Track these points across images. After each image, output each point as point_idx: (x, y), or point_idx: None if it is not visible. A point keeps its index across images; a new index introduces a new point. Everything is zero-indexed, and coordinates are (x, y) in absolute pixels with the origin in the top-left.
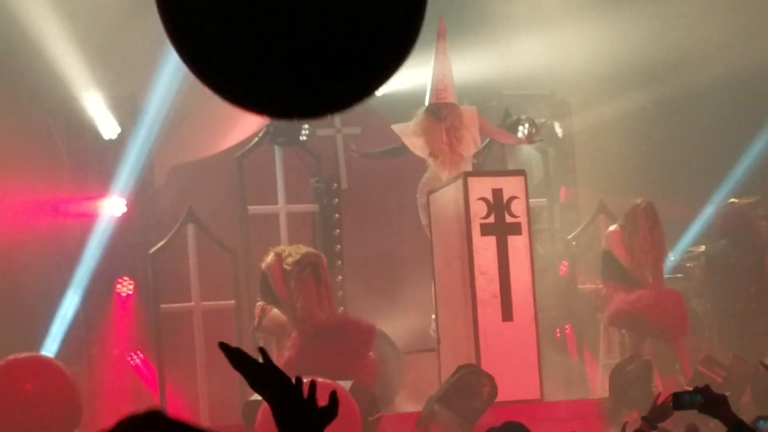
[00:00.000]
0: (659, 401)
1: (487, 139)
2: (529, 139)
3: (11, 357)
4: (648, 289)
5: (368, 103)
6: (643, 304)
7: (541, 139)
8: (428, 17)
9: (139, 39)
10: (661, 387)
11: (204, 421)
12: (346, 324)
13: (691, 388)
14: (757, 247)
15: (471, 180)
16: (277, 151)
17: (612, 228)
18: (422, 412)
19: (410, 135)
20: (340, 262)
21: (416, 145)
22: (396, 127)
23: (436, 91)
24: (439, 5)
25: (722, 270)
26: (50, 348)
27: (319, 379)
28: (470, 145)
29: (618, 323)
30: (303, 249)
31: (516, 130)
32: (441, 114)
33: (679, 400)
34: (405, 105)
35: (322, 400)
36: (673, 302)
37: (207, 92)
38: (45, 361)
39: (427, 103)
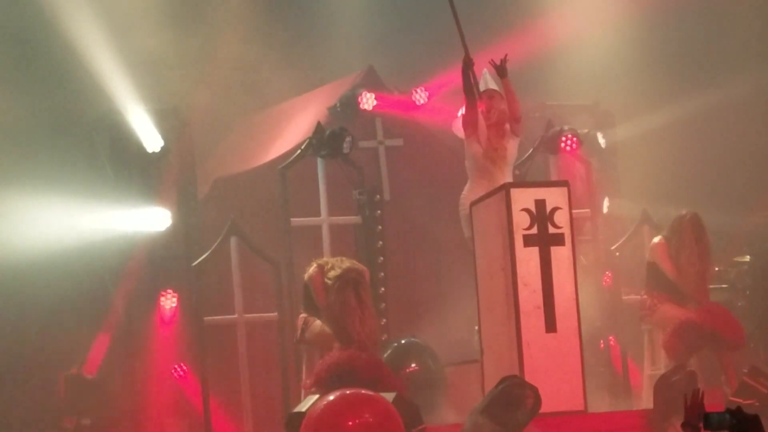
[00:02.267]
0: (688, 404)
1: (529, 151)
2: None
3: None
4: (697, 308)
5: (411, 115)
6: (699, 321)
7: (505, 75)
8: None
9: (182, 52)
10: (706, 398)
11: None
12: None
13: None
14: None
15: (513, 191)
16: (320, 164)
17: (657, 239)
18: (465, 423)
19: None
20: (382, 273)
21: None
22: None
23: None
24: (484, 15)
25: None
26: (94, 360)
27: (363, 391)
28: (508, 138)
29: (681, 347)
30: (346, 262)
31: (558, 141)
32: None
33: (708, 420)
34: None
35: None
36: (724, 313)
37: (249, 105)
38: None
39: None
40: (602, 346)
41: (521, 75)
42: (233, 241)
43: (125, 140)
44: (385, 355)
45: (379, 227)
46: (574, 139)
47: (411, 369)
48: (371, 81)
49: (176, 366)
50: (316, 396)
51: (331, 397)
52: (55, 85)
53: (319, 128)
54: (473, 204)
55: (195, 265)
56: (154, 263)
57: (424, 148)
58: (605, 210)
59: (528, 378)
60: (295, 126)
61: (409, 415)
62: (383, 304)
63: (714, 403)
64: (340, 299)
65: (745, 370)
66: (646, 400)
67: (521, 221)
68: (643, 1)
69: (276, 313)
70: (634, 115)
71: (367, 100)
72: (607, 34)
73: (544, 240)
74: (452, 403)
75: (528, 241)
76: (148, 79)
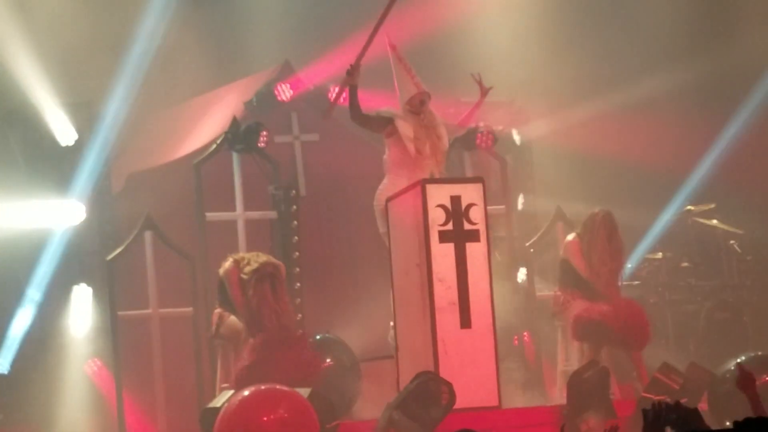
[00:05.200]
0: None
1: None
2: (483, 92)
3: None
4: (610, 302)
5: (327, 111)
6: (607, 317)
7: (492, 87)
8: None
9: (96, 46)
10: (619, 394)
11: (162, 428)
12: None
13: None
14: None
15: (429, 187)
16: (235, 158)
17: (570, 237)
18: (380, 419)
19: (401, 122)
20: (298, 269)
21: (406, 135)
22: (390, 110)
23: (413, 84)
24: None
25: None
26: (6, 356)
27: (278, 387)
28: (446, 140)
29: (581, 335)
30: (262, 257)
31: (474, 138)
32: (420, 114)
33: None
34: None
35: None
36: (635, 314)
37: (164, 99)
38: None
39: (402, 101)
40: (516, 342)
41: (435, 71)
42: (148, 235)
43: (39, 134)
44: None
45: (295, 223)
46: (490, 135)
47: (326, 364)
48: (287, 75)
49: (89, 361)
50: (231, 391)
51: (246, 393)
52: None
53: (234, 123)
54: (389, 199)
55: (109, 260)
56: (68, 257)
57: (340, 143)
58: (520, 207)
59: (443, 374)
60: (210, 120)
61: (323, 410)
62: (299, 300)
63: (626, 399)
64: (257, 293)
65: (657, 366)
66: (559, 396)
67: (437, 217)
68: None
69: (191, 308)
70: (549, 113)
71: (284, 91)
72: (522, 31)
73: (460, 236)
74: (367, 399)
75: (443, 237)
76: (62, 72)
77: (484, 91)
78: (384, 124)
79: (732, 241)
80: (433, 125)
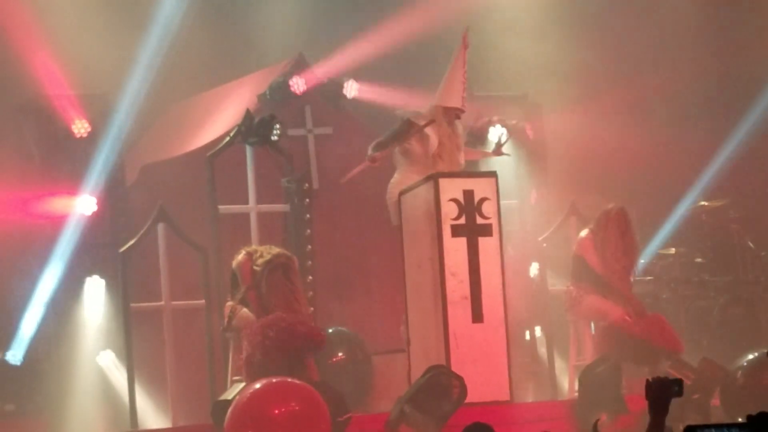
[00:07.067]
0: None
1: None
2: (497, 152)
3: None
4: (638, 319)
5: (341, 104)
6: (640, 332)
7: (508, 155)
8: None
9: (111, 38)
10: (630, 389)
11: (173, 421)
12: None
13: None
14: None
15: (442, 181)
16: (249, 151)
17: (583, 234)
18: (391, 412)
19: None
20: (310, 262)
21: (432, 140)
22: (409, 113)
23: (461, 97)
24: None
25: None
26: (19, 348)
27: (289, 380)
28: (463, 155)
29: (608, 342)
30: (275, 249)
31: (487, 132)
32: (454, 120)
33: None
34: (374, 107)
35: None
36: (661, 325)
37: (178, 91)
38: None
39: (443, 103)
40: (528, 336)
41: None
42: (161, 227)
43: (53, 125)
44: None
45: (308, 216)
46: (501, 136)
47: (338, 358)
48: (301, 68)
49: (102, 353)
50: (242, 384)
51: (258, 386)
52: None
53: (248, 115)
54: (402, 193)
55: (122, 251)
56: (81, 249)
57: (353, 137)
58: (533, 201)
59: (454, 368)
60: (224, 113)
61: (335, 403)
62: (311, 293)
63: (638, 394)
64: (269, 282)
65: (669, 362)
66: (571, 391)
67: (449, 211)
68: None
69: (203, 301)
70: (563, 107)
71: (298, 84)
72: (537, 25)
73: (472, 230)
74: (379, 393)
75: (456, 231)
76: (76, 63)
77: (498, 152)
78: (414, 131)
79: (746, 237)
80: (456, 138)
